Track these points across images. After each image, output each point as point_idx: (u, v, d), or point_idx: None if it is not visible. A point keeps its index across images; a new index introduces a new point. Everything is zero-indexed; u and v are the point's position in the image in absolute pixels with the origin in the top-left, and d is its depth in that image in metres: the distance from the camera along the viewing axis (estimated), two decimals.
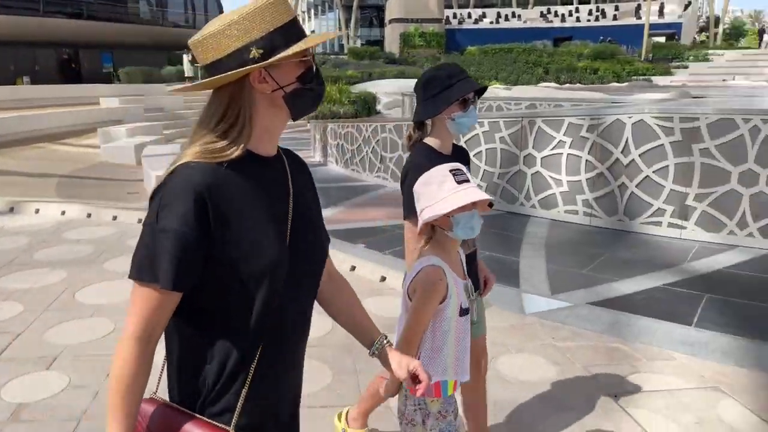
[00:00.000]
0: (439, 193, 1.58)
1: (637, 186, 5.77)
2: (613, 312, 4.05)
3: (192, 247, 1.07)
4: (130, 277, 1.11)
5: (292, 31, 1.11)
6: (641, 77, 26.97)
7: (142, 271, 1.08)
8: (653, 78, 26.98)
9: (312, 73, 1.16)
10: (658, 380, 3.19)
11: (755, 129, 5.09)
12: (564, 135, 6.19)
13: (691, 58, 30.57)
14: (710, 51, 30.77)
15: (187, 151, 1.13)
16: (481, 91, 2.14)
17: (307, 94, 1.17)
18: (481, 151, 6.94)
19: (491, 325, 3.86)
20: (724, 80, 23.66)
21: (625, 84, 19.61)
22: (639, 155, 5.71)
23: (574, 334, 3.79)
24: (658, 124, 5.58)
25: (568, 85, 20.25)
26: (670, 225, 5.63)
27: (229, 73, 1.08)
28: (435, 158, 2.01)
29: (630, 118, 5.74)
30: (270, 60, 1.08)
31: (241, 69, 1.08)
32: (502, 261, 5.05)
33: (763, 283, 4.47)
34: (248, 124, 1.14)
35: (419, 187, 1.65)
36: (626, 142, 5.77)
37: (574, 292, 4.40)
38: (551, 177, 6.36)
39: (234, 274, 1.12)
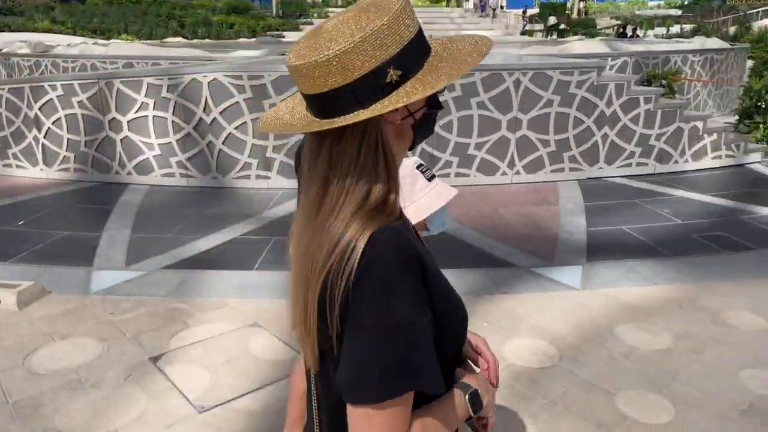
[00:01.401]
0: (414, 194, 1.49)
1: (223, 143, 6.00)
2: (185, 272, 4.15)
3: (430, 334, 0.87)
4: (364, 402, 0.83)
5: (422, 43, 0.87)
6: (275, 33, 28.39)
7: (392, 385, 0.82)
8: (286, 33, 28.70)
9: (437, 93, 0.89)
10: (204, 330, 3.40)
11: None
12: (145, 96, 5.95)
13: (315, 15, 33.43)
14: (330, 9, 34.19)
15: (345, 212, 0.84)
16: None
17: (431, 118, 0.95)
18: (59, 118, 6.18)
19: (40, 314, 3.58)
20: None
21: (254, 39, 20.31)
22: (219, 113, 5.91)
23: (137, 304, 3.74)
24: (231, 83, 5.83)
25: (198, 41, 19.86)
26: (258, 177, 6.07)
27: (384, 104, 0.81)
28: None
29: (205, 77, 5.85)
30: (426, 88, 0.82)
31: (393, 99, 0.81)
32: (81, 240, 4.66)
33: None
34: (393, 162, 0.88)
35: None
36: (206, 101, 5.89)
37: (152, 259, 4.34)
38: (141, 141, 6.11)
39: (445, 340, 0.92)
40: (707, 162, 6.79)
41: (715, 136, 6.72)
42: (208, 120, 5.94)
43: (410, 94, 0.81)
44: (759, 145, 7.11)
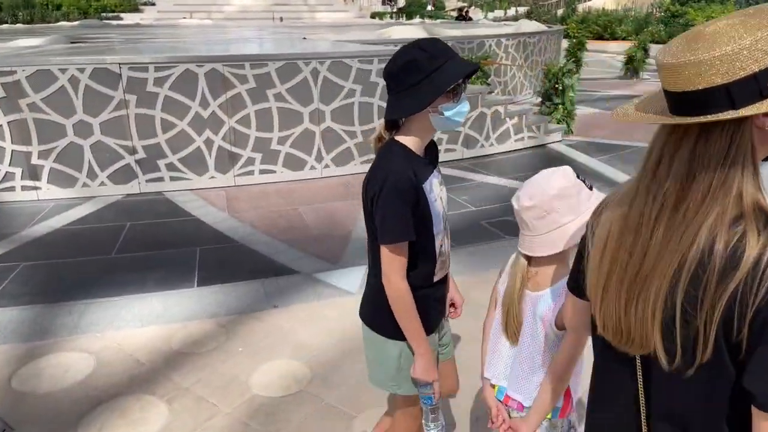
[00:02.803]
0: (581, 205, 1.40)
1: None
2: None
3: None
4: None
5: None
6: (110, 14, 25.79)
7: None
8: (123, 15, 26.17)
9: None
10: None
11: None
12: None
13: None
14: None
15: (714, 211, 0.85)
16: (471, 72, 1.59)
17: None
18: None
19: None
20: (184, 18, 24.81)
21: (77, 23, 18.16)
22: None
23: None
24: None
25: (7, 26, 17.41)
26: (24, 188, 5.24)
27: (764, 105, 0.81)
28: (413, 161, 1.63)
29: None
30: None
31: None
32: None
33: (87, 236, 4.59)
34: (758, 166, 0.87)
35: (550, 202, 1.39)
36: None
37: None
38: None
39: None
40: (511, 144, 7.06)
41: (516, 119, 6.99)
42: None
43: None
44: (559, 126, 7.55)
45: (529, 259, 1.51)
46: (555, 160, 6.80)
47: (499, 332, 1.63)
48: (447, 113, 1.58)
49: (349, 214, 5.03)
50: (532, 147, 7.22)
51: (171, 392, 2.77)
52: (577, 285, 1.15)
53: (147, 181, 5.48)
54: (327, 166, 6.03)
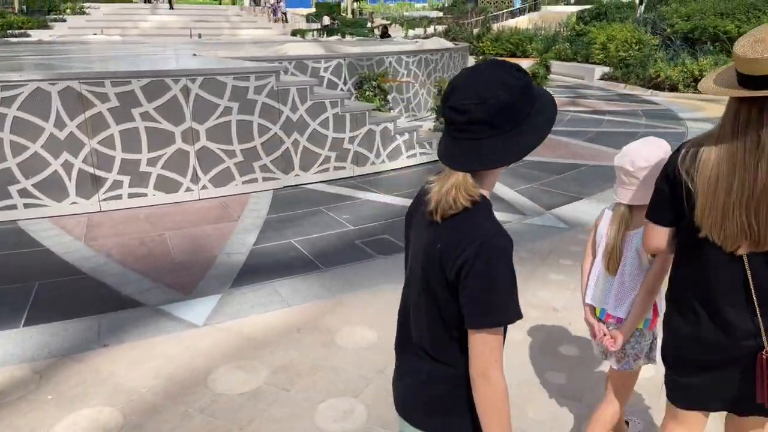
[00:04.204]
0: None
1: None
2: None
3: None
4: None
5: None
6: (17, 32, 24.36)
7: None
8: (31, 32, 24.84)
9: None
10: None
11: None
12: None
13: (69, 11, 29.63)
14: (86, 4, 30.51)
15: None
16: None
17: None
18: None
19: None
20: (94, 34, 23.79)
21: None
22: None
23: None
24: None
25: None
26: None
27: None
28: None
29: None
30: None
31: None
32: None
33: None
34: None
35: (658, 165, 1.81)
36: None
37: None
38: None
39: None
40: (403, 161, 7.02)
41: (407, 136, 6.96)
42: None
43: None
44: None
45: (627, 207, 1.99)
46: None
47: (598, 268, 2.10)
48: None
49: (219, 238, 4.76)
50: (426, 163, 7.21)
51: None
52: (662, 218, 1.65)
53: None
54: (205, 187, 5.74)
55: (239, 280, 4.04)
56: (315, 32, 27.01)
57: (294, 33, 26.37)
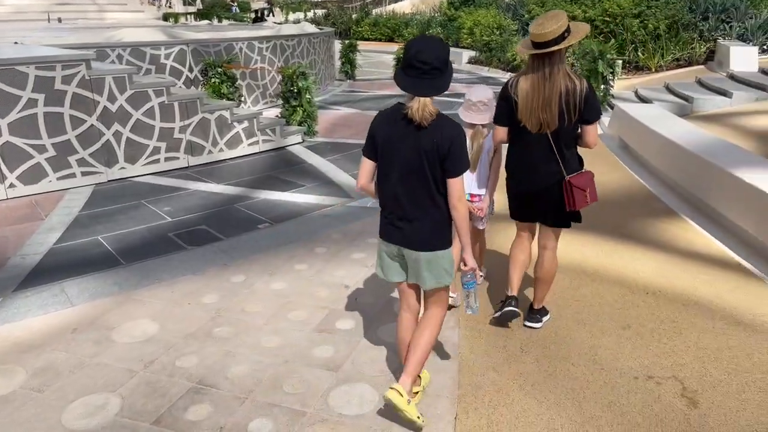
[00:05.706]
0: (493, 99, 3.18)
1: None
2: None
3: None
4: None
5: None
6: None
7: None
8: None
9: None
10: None
11: None
12: None
13: None
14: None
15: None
16: None
17: None
18: None
19: None
20: None
21: None
22: None
23: None
24: None
25: None
26: None
27: None
28: None
29: None
30: None
31: None
32: None
33: None
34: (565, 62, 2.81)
35: (491, 99, 3.15)
36: None
37: None
38: None
39: None
40: (244, 149, 6.94)
41: (246, 123, 6.88)
42: None
43: None
44: (299, 128, 7.61)
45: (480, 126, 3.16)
46: (289, 162, 6.82)
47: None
48: None
49: (16, 240, 4.47)
50: (269, 150, 7.18)
51: None
52: (502, 121, 2.97)
53: None
54: (13, 185, 5.35)
55: (26, 283, 3.82)
56: (189, 16, 25.80)
57: (166, 17, 25.02)
